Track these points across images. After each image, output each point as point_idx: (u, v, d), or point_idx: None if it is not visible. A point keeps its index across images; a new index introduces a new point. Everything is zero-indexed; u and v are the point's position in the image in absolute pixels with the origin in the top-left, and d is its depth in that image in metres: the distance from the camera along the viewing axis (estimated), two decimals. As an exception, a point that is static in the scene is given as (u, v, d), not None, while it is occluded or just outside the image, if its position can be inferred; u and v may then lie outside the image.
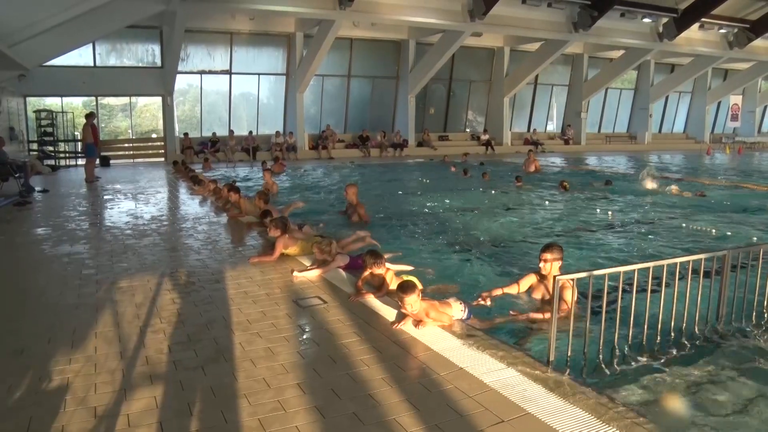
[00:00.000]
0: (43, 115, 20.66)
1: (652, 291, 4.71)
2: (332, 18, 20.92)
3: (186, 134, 23.06)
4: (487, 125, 29.52)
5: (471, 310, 4.81)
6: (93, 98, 22.33)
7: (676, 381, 3.88)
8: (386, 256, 5.74)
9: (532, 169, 17.96)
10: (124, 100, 23.37)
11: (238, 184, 12.65)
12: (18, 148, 18.50)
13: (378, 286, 5.32)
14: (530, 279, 5.40)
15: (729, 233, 8.66)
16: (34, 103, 21.33)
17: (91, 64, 21.34)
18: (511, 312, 5.00)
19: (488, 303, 5.12)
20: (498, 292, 5.32)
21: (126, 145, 23.43)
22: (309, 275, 5.96)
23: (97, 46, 21.29)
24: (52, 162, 20.33)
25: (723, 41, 30.39)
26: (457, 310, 4.69)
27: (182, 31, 19.74)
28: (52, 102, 21.82)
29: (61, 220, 9.70)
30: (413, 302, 4.39)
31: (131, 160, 22.80)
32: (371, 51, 26.41)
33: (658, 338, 4.38)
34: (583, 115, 31.20)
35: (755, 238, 8.03)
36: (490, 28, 24.27)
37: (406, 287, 4.44)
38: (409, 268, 6.25)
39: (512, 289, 5.38)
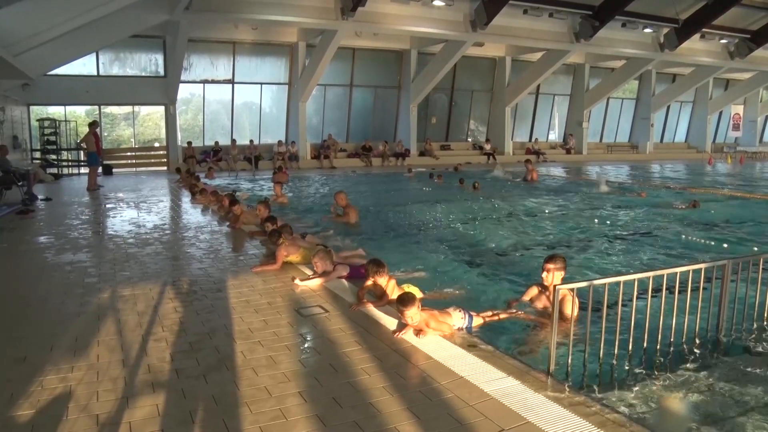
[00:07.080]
0: (47, 123, 20.78)
1: (653, 300, 4.72)
2: (335, 28, 21.04)
3: (189, 143, 23.13)
4: (489, 135, 29.59)
5: (471, 320, 4.82)
6: (96, 107, 22.44)
7: (676, 391, 3.89)
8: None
9: (530, 178, 18.43)
10: (127, 109, 23.50)
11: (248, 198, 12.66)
12: (21, 156, 18.60)
13: (379, 296, 5.34)
14: (532, 291, 5.45)
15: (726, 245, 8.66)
16: (38, 111, 21.42)
17: (95, 74, 21.48)
18: (513, 310, 5.14)
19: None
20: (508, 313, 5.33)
21: (128, 153, 23.55)
22: (310, 284, 5.98)
23: (101, 56, 21.43)
24: (55, 170, 20.42)
25: (724, 51, 30.49)
26: (457, 318, 4.71)
27: (185, 41, 19.88)
28: (56, 111, 21.93)
29: (63, 228, 9.74)
30: (413, 315, 4.41)
31: (134, 169, 22.89)
32: (373, 61, 26.52)
33: (659, 348, 4.39)
34: (584, 124, 31.27)
35: (755, 248, 8.03)
36: (491, 38, 24.36)
37: (405, 300, 4.46)
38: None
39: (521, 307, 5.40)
